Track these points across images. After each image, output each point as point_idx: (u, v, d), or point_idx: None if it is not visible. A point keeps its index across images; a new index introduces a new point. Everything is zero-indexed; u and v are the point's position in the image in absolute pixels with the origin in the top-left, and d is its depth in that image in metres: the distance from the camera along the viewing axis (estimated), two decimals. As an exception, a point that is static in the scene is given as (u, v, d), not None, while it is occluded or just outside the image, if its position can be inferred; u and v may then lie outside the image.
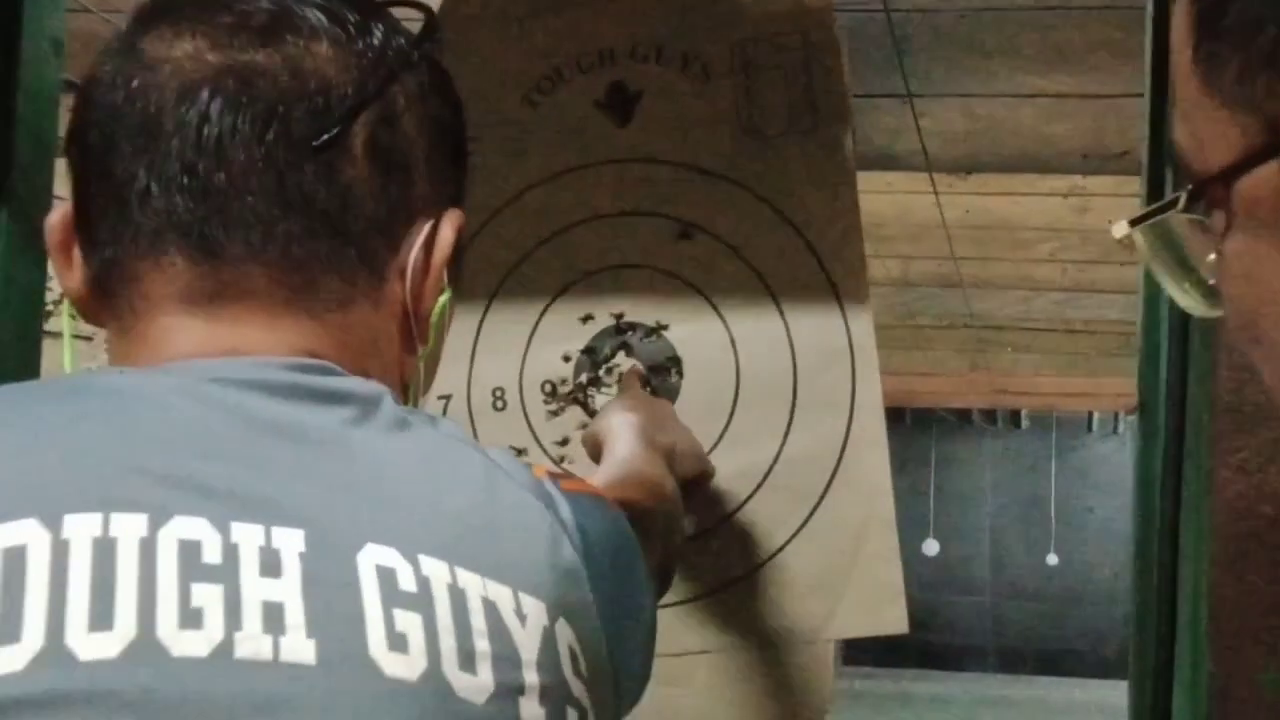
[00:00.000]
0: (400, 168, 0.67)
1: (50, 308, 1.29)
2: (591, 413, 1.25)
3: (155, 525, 0.56)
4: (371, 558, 0.58)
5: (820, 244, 1.23)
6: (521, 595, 0.61)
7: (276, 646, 0.55)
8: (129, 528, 0.56)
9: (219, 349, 0.64)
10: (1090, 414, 10.66)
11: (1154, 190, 1.16)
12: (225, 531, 0.57)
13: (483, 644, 0.59)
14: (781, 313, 1.24)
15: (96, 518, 0.56)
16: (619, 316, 1.27)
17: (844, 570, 1.21)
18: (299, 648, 0.55)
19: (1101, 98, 3.45)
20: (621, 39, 1.29)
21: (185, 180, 0.63)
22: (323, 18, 0.66)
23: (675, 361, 1.26)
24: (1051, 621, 10.96)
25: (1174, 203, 0.52)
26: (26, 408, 0.61)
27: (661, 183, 1.27)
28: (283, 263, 0.64)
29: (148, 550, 0.55)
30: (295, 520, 0.58)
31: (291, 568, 0.57)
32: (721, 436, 1.23)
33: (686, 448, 1.13)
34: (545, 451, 1.27)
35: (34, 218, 1.07)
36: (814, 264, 1.24)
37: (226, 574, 0.56)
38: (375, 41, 0.68)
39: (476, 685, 0.58)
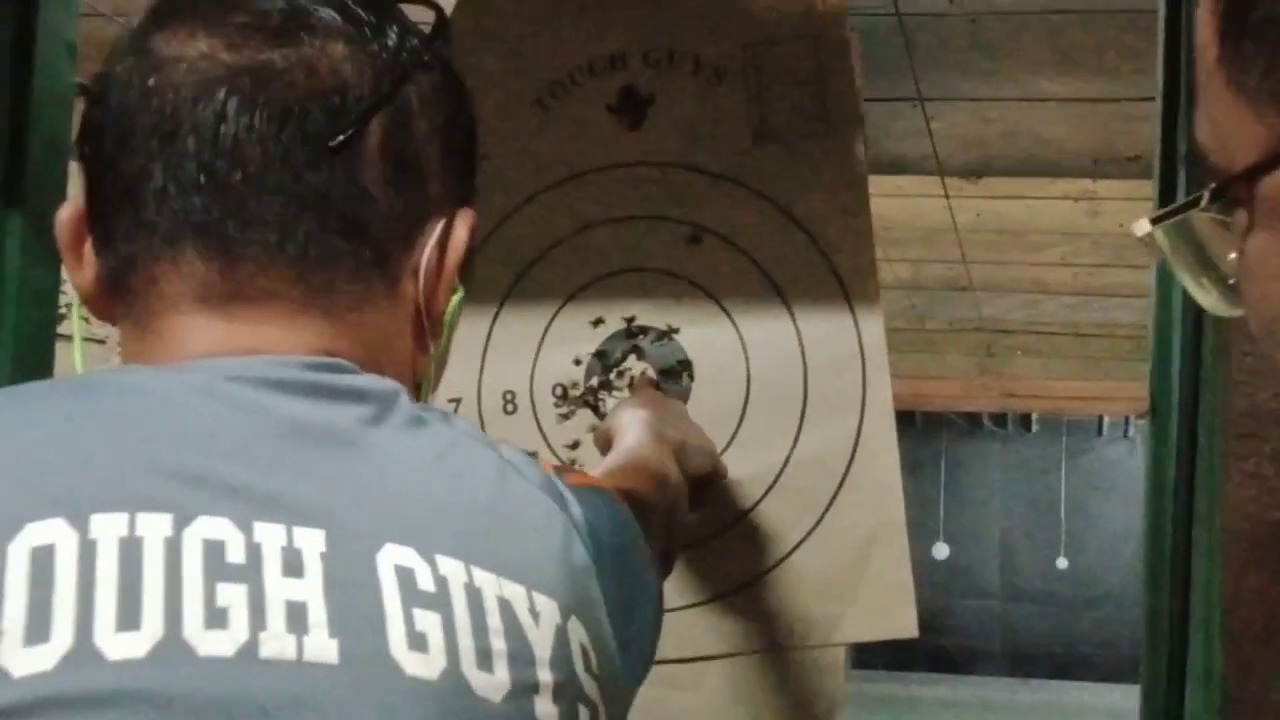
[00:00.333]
0: (414, 167, 0.68)
1: (64, 310, 1.29)
2: (602, 416, 1.25)
3: (180, 525, 0.56)
4: (390, 558, 0.59)
5: (831, 248, 1.24)
6: (535, 594, 0.62)
7: (300, 646, 0.56)
8: (154, 527, 0.56)
9: (237, 348, 0.64)
10: (1101, 418, 10.63)
11: (1166, 194, 1.16)
12: (248, 531, 0.57)
13: (499, 643, 0.59)
14: (792, 316, 1.24)
15: (123, 517, 0.56)
16: (630, 320, 1.27)
17: (854, 574, 1.21)
18: (322, 647, 0.56)
19: (1113, 101, 3.44)
20: (633, 43, 1.29)
21: (202, 180, 0.63)
22: (337, 17, 0.67)
23: (686, 365, 1.26)
24: (1062, 625, 10.93)
25: (1196, 201, 0.52)
26: (48, 406, 0.61)
27: (673, 186, 1.27)
28: (300, 262, 0.64)
29: (173, 550, 0.56)
30: (315, 520, 0.58)
31: (313, 567, 0.57)
32: (732, 440, 1.23)
33: (698, 444, 1.14)
34: (556, 455, 1.27)
35: (48, 220, 1.07)
36: (825, 268, 1.24)
37: (250, 574, 0.56)
38: (390, 42, 0.68)
39: (494, 683, 0.59)
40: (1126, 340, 6.62)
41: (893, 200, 4.42)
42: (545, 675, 0.60)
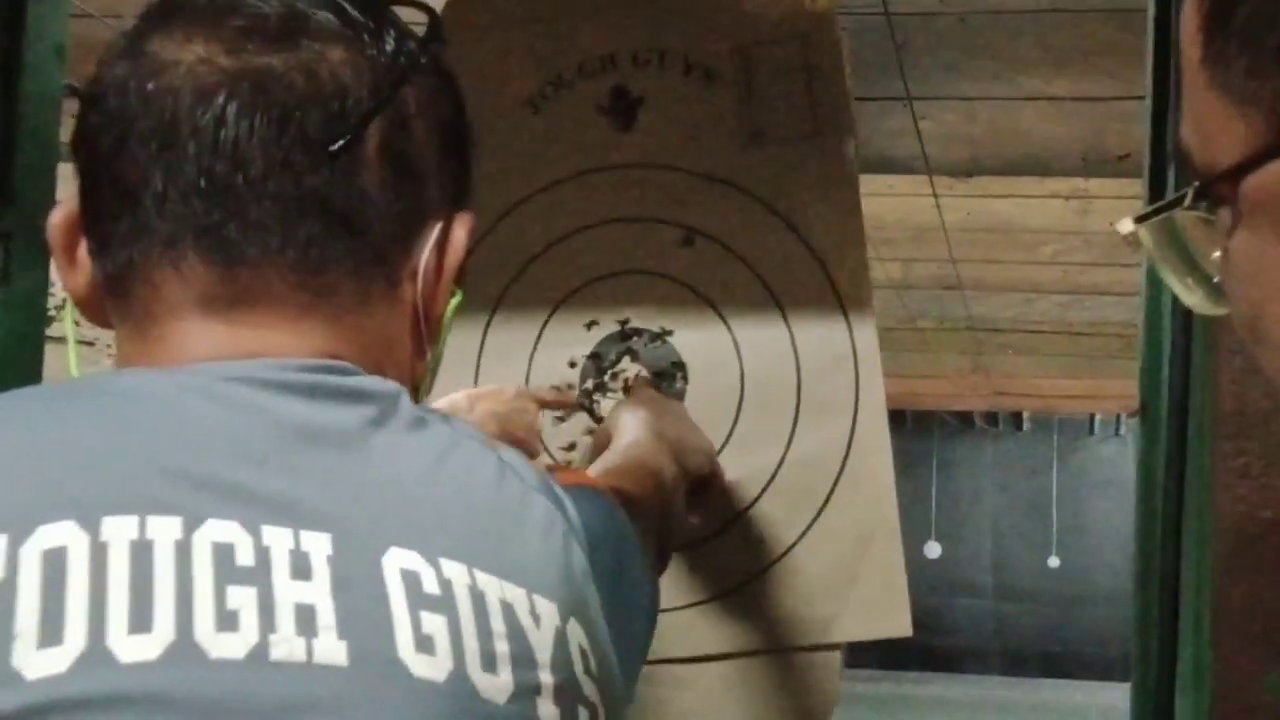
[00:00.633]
0: (412, 170, 0.68)
1: (53, 313, 1.29)
2: (598, 419, 1.25)
3: (190, 528, 0.57)
4: (396, 561, 0.59)
5: (823, 248, 1.24)
6: (535, 597, 0.62)
7: (310, 648, 0.56)
8: (165, 530, 0.56)
9: (239, 352, 0.64)
10: (1092, 416, 10.66)
11: (1156, 192, 1.16)
12: (257, 534, 0.57)
13: (502, 645, 0.60)
14: (785, 317, 1.24)
15: (133, 520, 0.56)
16: (624, 322, 1.27)
17: (849, 574, 1.21)
18: (331, 649, 0.56)
19: (1102, 100, 3.45)
20: (623, 44, 1.29)
21: (202, 184, 0.63)
22: (335, 20, 0.67)
23: (680, 367, 1.26)
24: (1054, 624, 10.96)
25: (1180, 200, 0.53)
26: (52, 410, 0.61)
27: (664, 188, 1.27)
28: (301, 266, 0.65)
29: (183, 553, 0.56)
30: (321, 524, 0.59)
31: (321, 571, 0.58)
32: (727, 441, 1.23)
33: (696, 444, 1.14)
34: (551, 457, 1.27)
35: (37, 223, 1.07)
36: (817, 268, 1.24)
37: (260, 576, 0.57)
38: (387, 45, 0.68)
39: (498, 686, 0.59)
40: (1117, 338, 6.64)
41: (883, 199, 4.42)
42: (547, 677, 0.61)
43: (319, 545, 0.58)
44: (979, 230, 5.00)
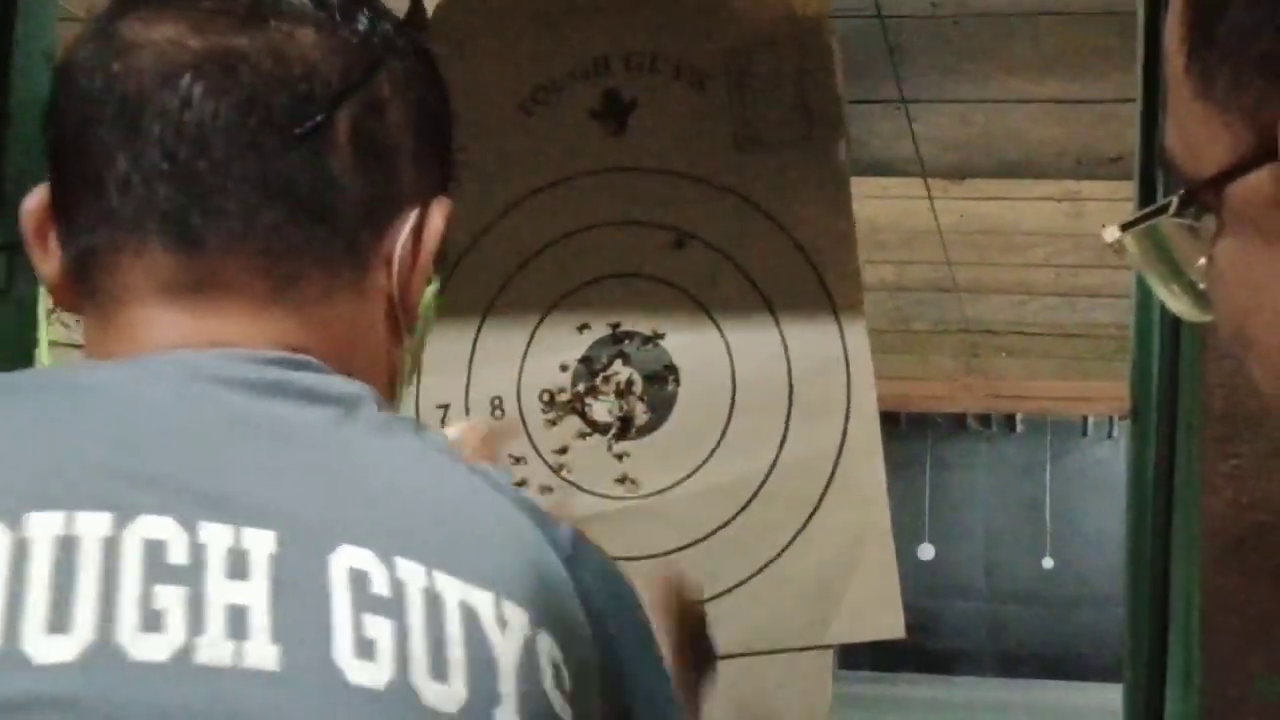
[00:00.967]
0: (386, 156, 0.66)
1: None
2: (590, 421, 1.26)
3: (120, 524, 0.55)
4: (345, 560, 0.56)
5: (815, 251, 1.24)
6: (504, 602, 0.59)
7: (239, 652, 0.53)
8: (92, 526, 0.54)
9: (200, 341, 0.62)
10: (1085, 418, 10.67)
11: (1147, 194, 1.16)
12: (193, 531, 0.55)
13: (457, 651, 0.56)
14: (776, 320, 1.24)
15: (59, 516, 0.54)
16: (616, 326, 1.27)
17: (841, 576, 1.21)
18: (261, 654, 0.54)
19: (1095, 103, 3.46)
20: (616, 48, 1.29)
21: (166, 167, 0.62)
22: (306, 2, 0.65)
23: (672, 369, 1.26)
24: (1048, 625, 10.96)
25: (1165, 207, 0.53)
26: None
27: (656, 191, 1.27)
28: (265, 254, 0.63)
29: (111, 550, 0.54)
30: (267, 520, 0.56)
31: (259, 570, 0.55)
32: (719, 444, 1.23)
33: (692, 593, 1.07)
34: (544, 460, 1.27)
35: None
36: (809, 271, 1.24)
37: (191, 575, 0.54)
38: (361, 27, 0.66)
39: (448, 694, 0.56)
40: (1110, 340, 6.65)
41: (876, 202, 4.43)
42: (508, 686, 0.57)
43: (261, 543, 0.55)
44: (972, 233, 5.01)
